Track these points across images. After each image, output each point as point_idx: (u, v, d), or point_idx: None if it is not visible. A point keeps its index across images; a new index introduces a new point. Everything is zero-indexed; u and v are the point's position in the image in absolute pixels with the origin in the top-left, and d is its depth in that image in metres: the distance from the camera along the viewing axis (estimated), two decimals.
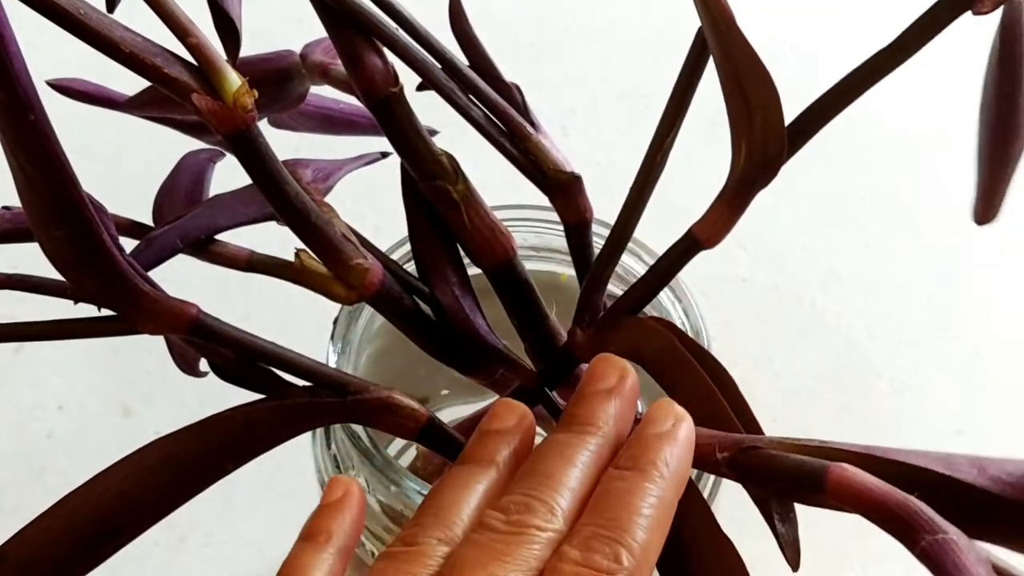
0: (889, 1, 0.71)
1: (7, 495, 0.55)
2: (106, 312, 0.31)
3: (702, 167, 0.48)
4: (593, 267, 0.34)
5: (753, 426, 0.30)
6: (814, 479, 0.25)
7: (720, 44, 0.28)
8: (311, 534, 0.28)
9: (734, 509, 0.30)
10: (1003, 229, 0.32)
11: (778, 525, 0.29)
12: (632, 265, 0.40)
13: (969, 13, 0.28)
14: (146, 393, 0.58)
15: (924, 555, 0.21)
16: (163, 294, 0.30)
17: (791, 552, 0.29)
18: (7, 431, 0.57)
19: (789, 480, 0.26)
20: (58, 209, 0.27)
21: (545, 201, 0.36)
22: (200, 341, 0.31)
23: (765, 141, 0.29)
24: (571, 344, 0.35)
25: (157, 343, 0.37)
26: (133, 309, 0.30)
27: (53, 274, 0.30)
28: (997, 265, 0.63)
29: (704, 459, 0.28)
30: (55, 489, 0.29)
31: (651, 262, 0.39)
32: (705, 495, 0.37)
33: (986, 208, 0.30)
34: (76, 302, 0.31)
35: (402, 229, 0.36)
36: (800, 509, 0.54)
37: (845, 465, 0.24)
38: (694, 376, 0.30)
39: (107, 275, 0.29)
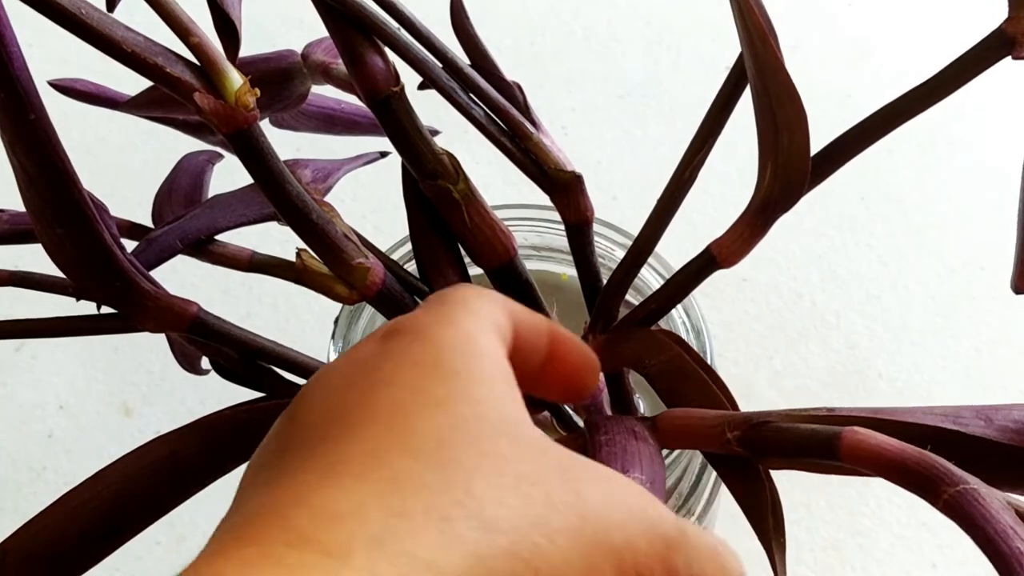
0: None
1: (8, 494, 0.55)
2: (107, 310, 0.31)
3: (716, 180, 0.47)
4: (612, 276, 0.35)
5: None
6: (829, 445, 0.24)
7: (754, 61, 0.28)
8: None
9: (735, 509, 0.30)
10: (1003, 228, 0.32)
11: (775, 550, 0.29)
12: (643, 274, 0.40)
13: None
14: (146, 393, 0.58)
15: (948, 507, 0.21)
16: (164, 292, 0.30)
17: (779, 563, 0.29)
18: (8, 431, 0.57)
19: (803, 449, 0.26)
20: (58, 207, 0.28)
21: (546, 200, 0.36)
22: (201, 340, 0.31)
23: (790, 163, 0.29)
24: None
25: (157, 343, 0.37)
26: (134, 307, 0.30)
27: (54, 272, 0.30)
28: (997, 264, 0.63)
29: (714, 440, 0.28)
30: (56, 489, 0.29)
31: (663, 272, 0.39)
32: (705, 496, 0.37)
33: (1023, 276, 0.30)
34: (78, 299, 0.31)
35: (402, 229, 0.36)
36: (800, 510, 0.54)
37: (857, 428, 0.24)
38: (703, 389, 0.31)
39: (108, 273, 0.29)
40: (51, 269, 0.30)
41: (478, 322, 0.24)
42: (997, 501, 0.21)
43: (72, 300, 0.31)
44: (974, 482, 0.21)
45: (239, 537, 0.20)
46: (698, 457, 0.36)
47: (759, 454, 0.27)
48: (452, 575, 0.19)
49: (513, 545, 0.20)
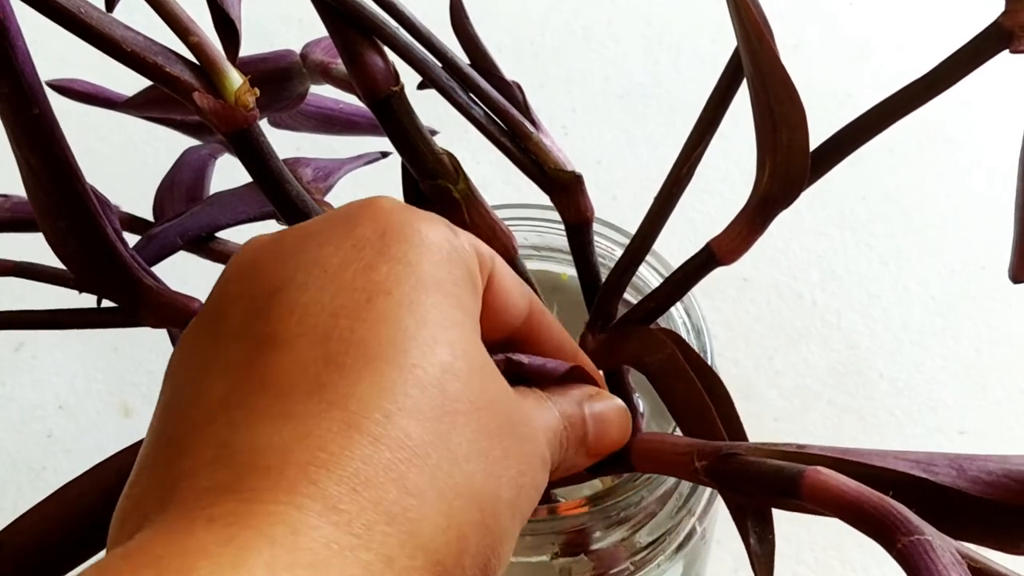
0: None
1: (7, 494, 0.55)
2: (108, 304, 0.31)
3: (716, 178, 0.47)
4: (610, 274, 0.35)
5: (741, 440, 0.30)
6: (791, 483, 0.24)
7: (751, 59, 0.28)
8: None
9: None
10: (1003, 228, 0.32)
11: (752, 542, 0.29)
12: (643, 273, 0.40)
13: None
14: (146, 393, 0.58)
15: (900, 556, 0.21)
16: (165, 288, 0.30)
17: (762, 569, 0.29)
18: (7, 431, 0.57)
19: (766, 485, 0.26)
20: (61, 201, 0.28)
21: (546, 200, 0.36)
22: None
23: (789, 160, 0.29)
24: (582, 349, 0.35)
25: (157, 343, 0.37)
26: (135, 302, 0.30)
27: (58, 265, 0.31)
28: (998, 264, 0.63)
29: (683, 468, 0.28)
30: (55, 488, 0.29)
31: (662, 271, 0.39)
32: (705, 496, 0.37)
33: (1022, 265, 0.30)
34: (80, 291, 0.31)
35: None
36: None
37: (821, 468, 0.24)
38: (691, 390, 0.31)
39: (109, 267, 0.29)
40: (54, 262, 0.30)
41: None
42: (949, 554, 0.21)
43: (74, 296, 0.31)
44: (930, 532, 0.21)
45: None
46: None
47: (725, 486, 0.27)
48: None
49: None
